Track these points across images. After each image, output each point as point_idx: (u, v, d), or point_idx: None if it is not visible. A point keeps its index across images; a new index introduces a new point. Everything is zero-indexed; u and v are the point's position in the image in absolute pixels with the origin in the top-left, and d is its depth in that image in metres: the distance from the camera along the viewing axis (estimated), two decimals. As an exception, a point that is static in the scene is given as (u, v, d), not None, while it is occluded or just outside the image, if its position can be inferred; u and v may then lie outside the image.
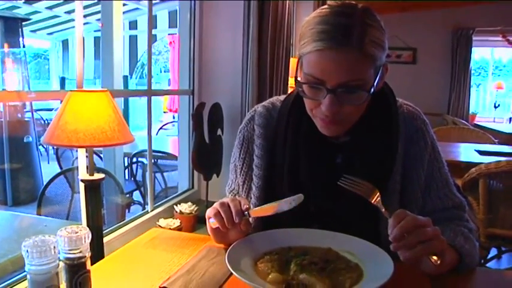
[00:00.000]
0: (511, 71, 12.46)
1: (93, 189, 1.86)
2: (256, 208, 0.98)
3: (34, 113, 5.98)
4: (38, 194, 2.82)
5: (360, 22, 0.89)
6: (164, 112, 9.18)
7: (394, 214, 0.84)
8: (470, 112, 7.14)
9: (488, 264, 2.72)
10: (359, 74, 0.90)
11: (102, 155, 3.62)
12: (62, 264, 0.73)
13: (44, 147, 6.67)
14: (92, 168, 1.92)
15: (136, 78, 10.84)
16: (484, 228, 2.34)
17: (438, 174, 1.07)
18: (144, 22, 7.82)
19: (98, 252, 1.82)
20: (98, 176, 1.88)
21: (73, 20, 2.10)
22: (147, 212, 3.16)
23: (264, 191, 1.12)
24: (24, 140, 5.04)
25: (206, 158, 3.41)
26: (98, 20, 6.73)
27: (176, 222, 3.06)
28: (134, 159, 4.24)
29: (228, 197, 1.21)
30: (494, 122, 7.90)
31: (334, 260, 0.89)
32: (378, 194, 0.91)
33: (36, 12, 7.50)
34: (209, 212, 0.99)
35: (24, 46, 5.62)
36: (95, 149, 2.75)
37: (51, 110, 8.07)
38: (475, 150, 3.36)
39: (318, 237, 0.97)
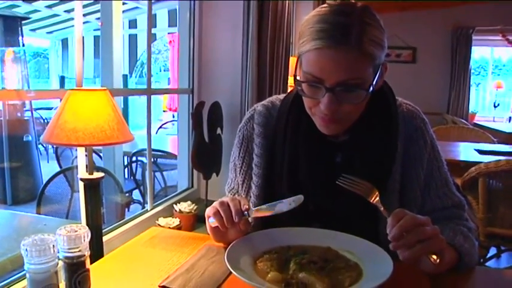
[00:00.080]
0: (511, 71, 12.46)
1: (92, 188, 1.85)
2: (256, 208, 0.98)
3: (34, 111, 5.97)
4: (37, 193, 2.82)
5: (359, 21, 0.89)
6: (164, 111, 9.17)
7: (393, 213, 0.84)
8: (469, 111, 7.13)
9: (487, 264, 2.72)
10: (358, 73, 0.90)
11: (101, 154, 3.62)
12: (61, 263, 0.73)
13: (43, 146, 6.67)
14: (91, 167, 1.92)
15: (136, 77, 10.83)
16: (484, 228, 2.35)
17: (438, 173, 1.07)
18: (143, 21, 7.83)
19: (97, 251, 1.82)
20: (97, 174, 1.88)
21: (73, 18, 2.10)
22: (147, 211, 3.16)
23: (263, 189, 1.12)
24: (24, 139, 5.03)
25: (206, 157, 3.41)
26: (98, 19, 6.74)
27: (176, 221, 3.06)
28: (134, 158, 4.24)
29: (228, 196, 1.21)
30: (493, 121, 7.90)
31: (334, 259, 0.89)
32: (377, 193, 0.91)
33: (35, 11, 7.49)
34: (208, 211, 0.99)
35: (23, 45, 5.61)
36: (94, 147, 2.75)
37: (50, 108, 8.07)
38: (475, 149, 3.36)
39: (317, 236, 0.97)
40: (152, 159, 3.91)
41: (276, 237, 0.97)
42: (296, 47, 1.02)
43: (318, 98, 0.93)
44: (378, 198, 0.91)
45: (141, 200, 3.80)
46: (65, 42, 10.28)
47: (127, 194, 3.66)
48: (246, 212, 0.95)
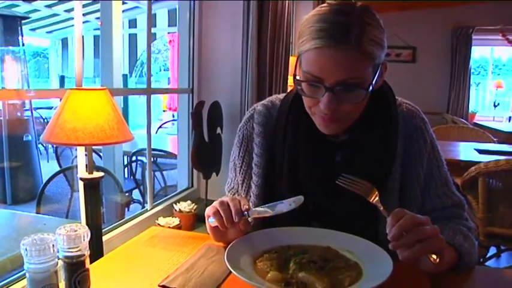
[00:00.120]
0: (511, 70, 12.46)
1: (92, 187, 1.85)
2: (256, 209, 0.98)
3: (33, 111, 5.97)
4: (37, 193, 2.82)
5: (359, 20, 0.89)
6: (164, 111, 9.18)
7: (393, 213, 0.84)
8: (469, 111, 7.13)
9: (487, 263, 2.72)
10: (357, 72, 0.90)
11: (101, 154, 3.62)
12: (60, 262, 0.73)
13: (43, 145, 6.67)
14: (91, 166, 1.92)
15: (135, 76, 10.82)
16: (483, 227, 2.35)
17: (437, 173, 1.07)
18: (143, 21, 7.84)
19: (97, 250, 1.82)
20: (97, 174, 1.88)
21: (72, 18, 2.10)
22: (147, 211, 3.16)
23: (263, 189, 1.12)
24: (24, 139, 5.03)
25: (205, 156, 3.40)
26: (98, 18, 6.73)
27: (175, 221, 3.06)
28: (134, 158, 4.24)
29: (228, 195, 1.21)
30: (493, 120, 7.91)
31: (333, 258, 0.89)
32: (377, 193, 0.91)
33: (35, 10, 7.49)
34: (208, 210, 0.99)
35: (23, 44, 5.61)
36: (94, 147, 2.75)
37: (50, 108, 8.07)
38: (475, 149, 3.35)
39: (317, 235, 0.97)
40: (152, 159, 3.91)
41: (276, 237, 0.97)
42: (296, 47, 1.02)
43: (318, 98, 0.93)
44: (377, 197, 0.91)
45: (141, 200, 3.80)
46: (64, 42, 10.28)
47: (127, 194, 3.66)
48: (246, 212, 0.95)
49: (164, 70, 13.03)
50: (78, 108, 1.70)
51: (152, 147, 3.33)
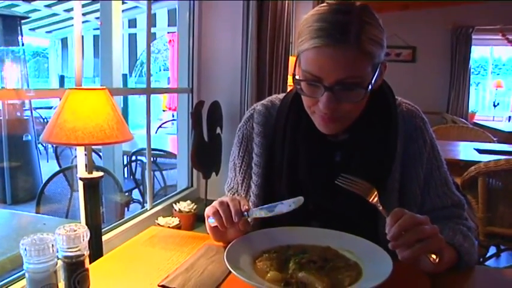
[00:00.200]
0: (511, 70, 12.47)
1: (92, 187, 1.85)
2: (256, 209, 0.98)
3: (33, 111, 5.97)
4: (37, 193, 2.82)
5: (358, 20, 0.89)
6: (163, 110, 9.18)
7: (392, 212, 0.84)
8: (469, 111, 7.14)
9: (487, 263, 2.72)
10: (356, 71, 0.90)
11: (101, 153, 3.62)
12: (60, 262, 0.73)
13: (43, 145, 6.67)
14: (90, 166, 1.92)
15: (135, 76, 10.82)
16: (483, 227, 2.35)
17: (437, 173, 1.07)
18: (143, 20, 7.83)
19: (96, 250, 1.82)
20: (96, 174, 1.87)
21: (72, 18, 2.10)
22: (146, 210, 3.16)
23: (263, 189, 1.12)
24: (23, 139, 5.03)
25: (205, 156, 3.40)
26: (97, 18, 6.73)
27: (175, 221, 3.06)
28: (133, 158, 4.24)
29: (227, 195, 1.21)
30: (493, 120, 7.91)
31: (333, 258, 0.89)
32: (376, 193, 0.91)
33: (35, 10, 7.48)
34: (208, 210, 0.99)
35: (23, 44, 5.60)
36: (94, 147, 2.75)
37: (50, 108, 8.07)
38: (474, 148, 3.35)
39: (316, 235, 0.97)
40: (152, 159, 3.91)
41: (276, 237, 0.97)
42: (295, 46, 1.02)
43: (317, 97, 0.93)
44: (376, 197, 0.91)
45: (141, 200, 3.80)
46: (64, 42, 10.27)
47: (126, 194, 3.66)
48: (245, 213, 0.94)
49: (164, 70, 13.04)
50: (77, 108, 1.70)
51: (152, 147, 3.33)
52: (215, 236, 1.03)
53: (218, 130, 3.52)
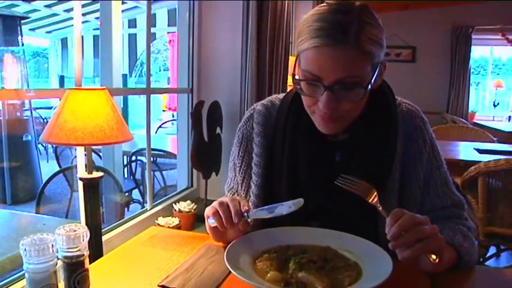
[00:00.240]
0: (510, 70, 12.47)
1: (91, 187, 1.85)
2: (255, 210, 0.98)
3: (33, 111, 5.97)
4: (37, 193, 2.82)
5: (357, 19, 0.89)
6: (163, 110, 9.18)
7: (392, 213, 0.84)
8: (469, 111, 7.13)
9: (487, 263, 2.72)
10: (356, 71, 0.90)
11: (101, 154, 3.62)
12: (60, 262, 0.73)
13: (43, 145, 6.66)
14: (90, 166, 1.92)
15: (135, 76, 10.82)
16: (483, 227, 2.34)
17: (437, 173, 1.07)
18: (143, 20, 7.83)
19: (96, 250, 1.82)
20: (96, 174, 1.87)
21: (72, 18, 2.10)
22: (146, 211, 3.16)
23: (263, 189, 1.12)
24: (23, 139, 5.03)
25: (205, 156, 3.40)
26: (97, 18, 6.73)
27: (175, 221, 3.06)
28: (133, 158, 4.24)
29: (227, 195, 1.21)
30: (493, 120, 7.90)
31: (333, 258, 0.89)
32: (375, 193, 0.91)
33: (35, 10, 7.48)
34: (208, 211, 0.99)
35: (23, 44, 5.61)
36: (94, 147, 2.75)
37: (50, 108, 8.06)
38: (474, 148, 3.35)
39: (316, 235, 0.97)
40: (152, 159, 3.91)
41: (276, 237, 0.97)
42: (295, 46, 1.02)
43: (317, 97, 0.93)
44: (376, 198, 0.91)
45: (141, 200, 3.80)
46: (64, 42, 10.27)
47: (126, 194, 3.66)
48: (245, 214, 0.94)
49: (164, 70, 13.04)
50: (77, 108, 1.70)
51: (152, 147, 3.33)
52: (215, 236, 1.03)
53: (218, 130, 3.52)
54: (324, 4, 0.94)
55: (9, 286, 1.93)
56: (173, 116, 7.90)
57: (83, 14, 5.57)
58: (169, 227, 2.95)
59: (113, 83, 3.12)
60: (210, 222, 0.98)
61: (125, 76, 8.23)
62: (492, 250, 2.80)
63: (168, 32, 8.26)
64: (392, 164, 1.04)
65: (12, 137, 4.87)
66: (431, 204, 1.07)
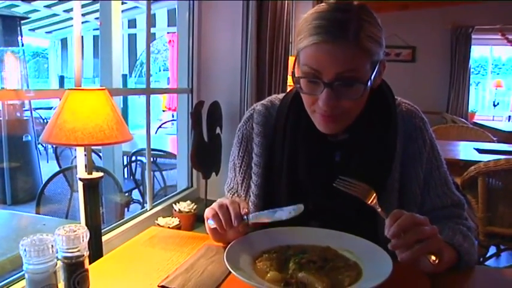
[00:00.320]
0: (510, 69, 12.47)
1: (91, 187, 1.85)
2: (255, 214, 0.98)
3: (33, 111, 5.97)
4: (36, 193, 2.82)
5: (356, 17, 0.90)
6: (163, 111, 9.17)
7: (391, 214, 0.84)
8: (469, 110, 7.13)
9: (487, 263, 2.72)
10: (355, 66, 0.91)
11: (101, 154, 3.62)
12: (60, 263, 0.73)
13: (43, 146, 6.66)
14: (90, 166, 1.92)
15: (135, 76, 10.83)
16: (483, 227, 2.34)
17: (437, 173, 1.07)
18: (143, 21, 7.83)
19: (96, 251, 1.82)
20: (96, 174, 1.87)
21: (72, 18, 2.10)
22: (146, 211, 3.16)
23: (262, 189, 1.12)
24: (23, 139, 5.03)
25: (205, 156, 3.40)
26: (97, 18, 6.72)
27: (175, 221, 3.06)
28: (133, 158, 4.24)
29: (227, 195, 1.21)
30: (493, 120, 7.90)
31: (333, 258, 0.89)
32: (374, 194, 0.91)
33: (34, 10, 7.48)
34: (208, 212, 0.99)
35: (23, 45, 5.60)
36: (94, 147, 2.75)
37: (50, 108, 8.06)
38: (474, 148, 3.35)
39: (316, 235, 0.97)
40: (152, 159, 3.91)
41: (275, 237, 0.97)
42: (294, 46, 1.02)
43: (317, 95, 0.93)
44: (375, 200, 0.90)
45: (141, 200, 3.80)
46: (64, 42, 10.27)
47: (126, 194, 3.66)
48: (245, 217, 0.94)
49: (164, 70, 13.05)
50: (77, 109, 1.70)
51: (152, 147, 3.33)
52: (215, 237, 1.03)
53: (218, 130, 3.52)
54: (323, 4, 0.95)
55: (9, 287, 1.93)
56: (173, 116, 7.90)
57: (83, 14, 5.57)
58: (169, 227, 2.95)
59: (113, 83, 3.12)
60: (210, 223, 0.98)
61: (124, 76, 8.24)
62: (492, 250, 2.80)
63: (167, 32, 8.26)
64: (392, 164, 1.04)
65: (12, 138, 4.87)
66: (431, 204, 1.07)
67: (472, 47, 6.95)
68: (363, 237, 0.94)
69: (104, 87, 1.83)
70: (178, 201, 3.39)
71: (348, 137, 1.04)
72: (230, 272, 0.84)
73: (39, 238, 0.69)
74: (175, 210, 3.27)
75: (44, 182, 2.79)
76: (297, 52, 0.97)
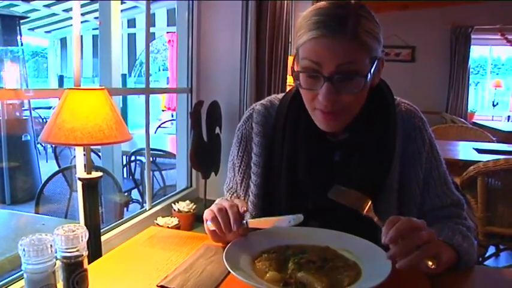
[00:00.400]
0: (510, 70, 12.47)
1: (90, 187, 1.85)
2: (255, 220, 0.98)
3: (32, 111, 5.97)
4: (36, 193, 2.81)
5: (354, 13, 0.91)
6: (163, 110, 9.17)
7: (387, 221, 0.84)
8: (468, 110, 7.13)
9: (486, 263, 2.72)
10: (354, 59, 0.91)
11: (100, 153, 3.62)
12: (59, 263, 0.72)
13: (42, 145, 6.66)
14: (89, 166, 1.92)
15: (134, 76, 10.82)
16: (482, 227, 2.35)
17: (436, 172, 1.07)
18: (142, 20, 7.82)
19: (95, 250, 1.82)
20: (95, 174, 1.87)
21: (71, 18, 2.10)
22: (145, 211, 3.16)
23: (262, 188, 1.12)
24: (23, 139, 5.02)
25: (204, 156, 3.40)
26: (96, 18, 6.72)
27: (174, 221, 3.06)
28: (132, 158, 4.24)
29: (226, 195, 1.21)
30: (492, 120, 7.90)
31: (332, 258, 0.89)
32: (370, 203, 0.91)
33: (34, 10, 7.48)
34: (207, 214, 0.98)
35: (22, 44, 5.60)
36: (93, 147, 2.75)
37: (49, 108, 8.05)
38: (474, 148, 3.35)
39: (315, 235, 0.97)
40: (151, 159, 3.91)
41: (275, 237, 0.97)
42: (294, 44, 1.02)
43: (317, 90, 0.93)
44: (371, 208, 0.91)
45: (140, 200, 3.80)
46: (63, 42, 10.26)
47: (126, 194, 3.66)
48: (244, 221, 0.94)
49: (163, 70, 13.04)
50: (76, 108, 1.70)
51: (151, 147, 3.33)
52: (214, 237, 1.03)
53: (217, 130, 3.52)
54: (322, 2, 0.95)
55: (8, 286, 1.93)
56: (172, 116, 7.89)
57: (82, 14, 5.56)
58: (168, 227, 2.95)
59: (112, 82, 3.12)
60: (209, 224, 0.98)
61: (124, 76, 8.23)
62: (491, 250, 2.80)
63: (167, 32, 8.25)
64: (392, 163, 1.04)
65: (11, 137, 4.86)
66: (431, 203, 1.07)
67: (472, 47, 6.95)
68: (363, 237, 0.94)
69: (103, 87, 1.82)
70: (177, 201, 3.39)
71: (348, 136, 1.04)
72: (229, 272, 0.84)
73: (38, 238, 0.69)
74: (174, 210, 3.27)
75: (43, 182, 2.78)
76: (296, 49, 0.97)
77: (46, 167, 5.44)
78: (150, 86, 3.28)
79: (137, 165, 4.31)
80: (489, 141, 3.90)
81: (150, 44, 3.57)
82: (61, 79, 9.21)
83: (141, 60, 10.17)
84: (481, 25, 6.69)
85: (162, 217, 3.09)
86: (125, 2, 6.82)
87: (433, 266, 0.82)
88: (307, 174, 1.05)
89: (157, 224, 2.98)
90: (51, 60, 10.79)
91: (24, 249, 0.67)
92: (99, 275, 0.90)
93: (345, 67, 0.90)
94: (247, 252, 0.91)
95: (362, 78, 0.92)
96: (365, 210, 0.90)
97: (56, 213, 2.80)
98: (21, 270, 0.69)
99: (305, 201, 0.93)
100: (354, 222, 1.01)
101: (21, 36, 5.58)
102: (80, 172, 2.12)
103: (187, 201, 3.33)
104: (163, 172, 4.32)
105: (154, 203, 3.31)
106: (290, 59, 3.98)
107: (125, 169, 4.31)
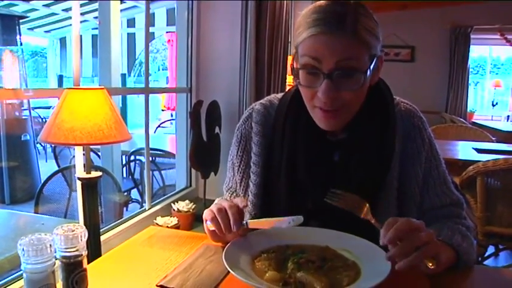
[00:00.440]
0: (509, 69, 12.47)
1: (90, 187, 1.85)
2: (255, 220, 0.97)
3: (32, 111, 5.96)
4: (35, 192, 2.81)
5: (353, 11, 0.92)
6: (162, 110, 9.16)
7: (386, 222, 0.84)
8: (468, 110, 7.13)
9: (485, 262, 2.72)
10: (354, 56, 0.91)
11: (99, 153, 3.61)
12: (58, 262, 0.72)
13: (41, 145, 6.65)
14: (89, 166, 1.92)
15: (134, 76, 10.81)
16: (482, 226, 2.35)
17: (436, 172, 1.07)
18: (142, 20, 7.81)
19: (95, 250, 1.82)
20: (95, 174, 1.87)
21: (70, 17, 2.10)
22: (145, 210, 3.16)
23: (261, 188, 1.12)
24: (22, 138, 5.02)
25: (204, 156, 3.40)
26: (96, 17, 6.71)
27: (174, 221, 3.06)
28: (132, 157, 4.24)
29: (226, 195, 1.21)
30: (492, 120, 7.89)
31: (332, 258, 0.89)
32: (367, 206, 0.91)
33: (33, 9, 7.47)
34: (206, 215, 0.98)
35: (21, 44, 5.59)
36: (93, 147, 2.75)
37: (49, 107, 8.04)
38: (473, 148, 3.35)
39: (315, 235, 0.97)
40: (150, 158, 3.90)
41: (274, 237, 0.97)
42: (293, 41, 1.02)
43: (316, 87, 0.93)
44: (369, 211, 0.91)
45: (139, 199, 3.80)
46: (63, 41, 10.25)
47: (125, 193, 3.66)
48: (244, 222, 0.94)
49: (163, 69, 13.03)
50: (76, 108, 1.69)
51: (150, 146, 3.33)
52: (213, 237, 1.03)
53: (217, 130, 3.52)
54: (321, 1, 0.96)
55: (7, 286, 1.93)
56: (172, 116, 7.89)
57: (82, 14, 5.56)
58: (167, 226, 2.95)
59: (112, 82, 3.12)
60: (208, 224, 0.98)
61: (123, 75, 8.22)
62: (491, 249, 2.80)
63: (166, 32, 8.24)
64: (391, 163, 1.04)
65: (10, 137, 4.86)
66: (430, 203, 1.07)
67: (471, 46, 6.95)
68: (362, 237, 0.94)
69: (102, 87, 1.82)
70: (177, 200, 3.39)
71: (347, 136, 1.04)
72: (229, 272, 0.84)
73: (37, 237, 0.69)
74: (174, 210, 3.26)
75: (42, 182, 2.78)
76: (295, 46, 0.97)
77: (45, 167, 5.44)
78: (150, 85, 3.28)
79: (137, 164, 4.31)
80: (488, 141, 3.90)
81: (150, 44, 3.57)
82: (60, 79, 9.20)
83: (140, 60, 10.17)
84: (481, 25, 6.69)
85: (162, 217, 3.08)
86: (124, 2, 6.82)
87: (432, 267, 0.82)
88: (306, 174, 1.05)
89: (157, 224, 2.98)
90: (51, 60, 10.79)
91: (23, 249, 0.67)
92: (99, 275, 0.90)
93: (345, 63, 0.91)
94: (246, 251, 0.91)
95: (361, 75, 0.92)
96: (362, 214, 0.90)
97: (55, 213, 2.80)
98: (21, 270, 0.69)
99: (305, 201, 0.93)
100: (354, 222, 1.01)
101: (20, 35, 5.57)
102: (80, 172, 2.12)
103: (187, 201, 3.33)
104: (162, 172, 4.32)
105: (154, 202, 3.31)
106: (289, 58, 3.98)
107: (124, 169, 4.31)
